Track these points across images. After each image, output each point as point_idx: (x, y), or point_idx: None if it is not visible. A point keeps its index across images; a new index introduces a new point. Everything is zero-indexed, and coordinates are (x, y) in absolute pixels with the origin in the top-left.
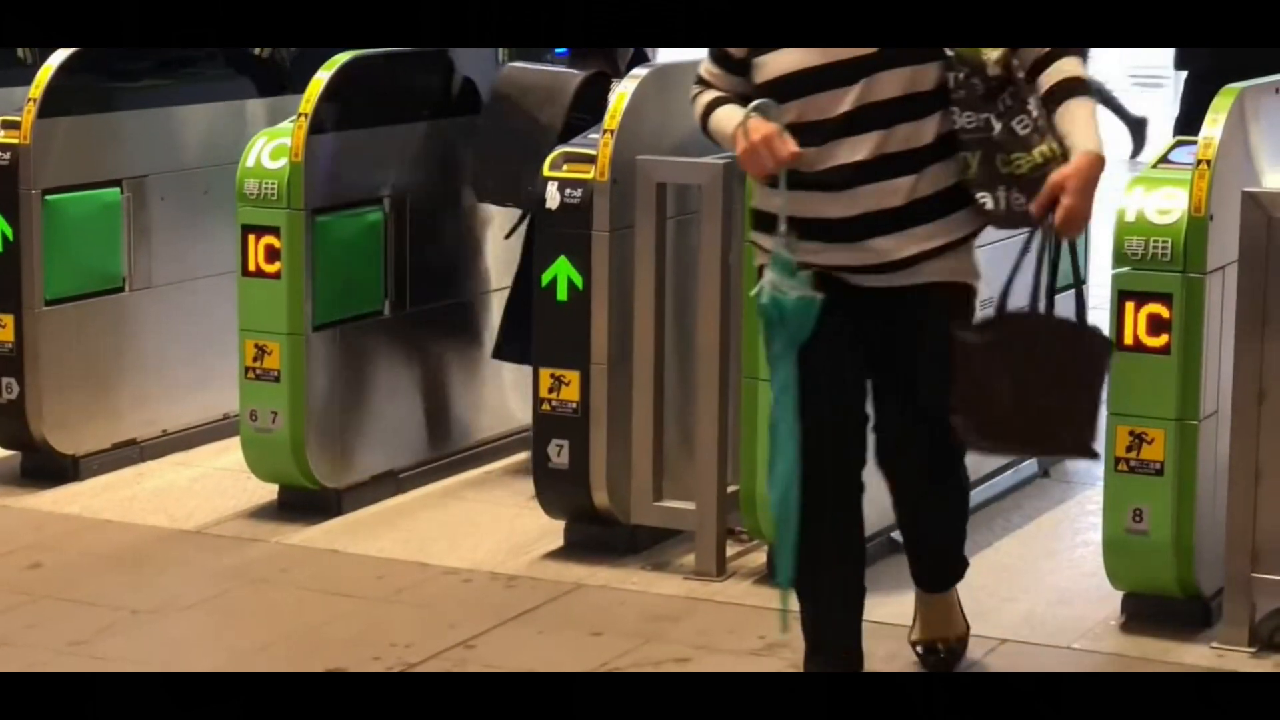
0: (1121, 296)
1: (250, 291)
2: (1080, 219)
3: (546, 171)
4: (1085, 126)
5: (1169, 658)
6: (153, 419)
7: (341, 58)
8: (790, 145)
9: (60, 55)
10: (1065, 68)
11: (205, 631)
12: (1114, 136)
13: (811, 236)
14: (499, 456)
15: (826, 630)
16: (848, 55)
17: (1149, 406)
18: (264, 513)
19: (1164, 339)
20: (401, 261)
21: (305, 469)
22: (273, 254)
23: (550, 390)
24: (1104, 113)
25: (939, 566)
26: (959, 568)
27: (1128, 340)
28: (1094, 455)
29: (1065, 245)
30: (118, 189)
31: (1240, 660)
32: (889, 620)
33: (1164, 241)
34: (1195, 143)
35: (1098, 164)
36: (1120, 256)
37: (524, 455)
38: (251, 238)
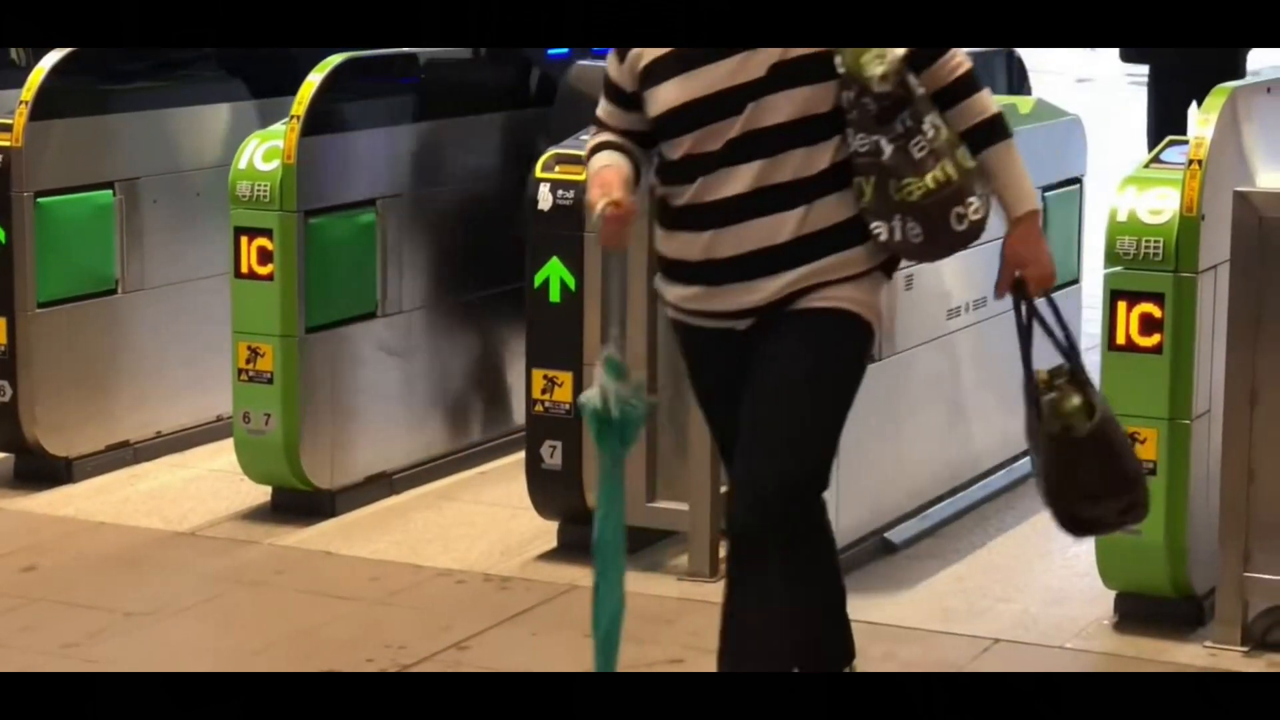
0: (1113, 296)
1: (243, 293)
2: (1049, 275)
3: (539, 173)
4: (1015, 182)
5: (1162, 657)
6: (146, 421)
7: (334, 59)
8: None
9: (52, 58)
10: (976, 107)
11: (200, 634)
12: (1113, 138)
13: (693, 280)
14: (492, 458)
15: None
16: (731, 83)
17: (1141, 406)
18: (258, 515)
19: (1156, 339)
20: (395, 263)
21: (299, 471)
22: (265, 256)
23: (543, 391)
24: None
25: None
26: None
27: (1120, 340)
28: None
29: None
30: (110, 191)
31: (1233, 659)
32: (884, 621)
33: (1156, 241)
34: (1187, 142)
35: (1036, 218)
36: (1112, 256)
37: (517, 456)
38: (244, 240)
